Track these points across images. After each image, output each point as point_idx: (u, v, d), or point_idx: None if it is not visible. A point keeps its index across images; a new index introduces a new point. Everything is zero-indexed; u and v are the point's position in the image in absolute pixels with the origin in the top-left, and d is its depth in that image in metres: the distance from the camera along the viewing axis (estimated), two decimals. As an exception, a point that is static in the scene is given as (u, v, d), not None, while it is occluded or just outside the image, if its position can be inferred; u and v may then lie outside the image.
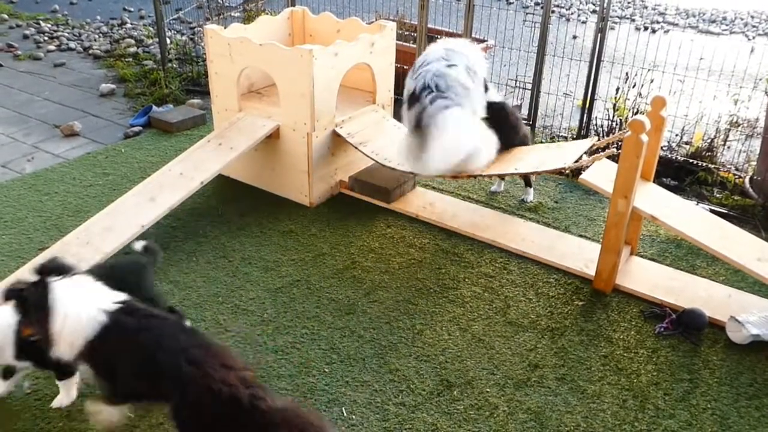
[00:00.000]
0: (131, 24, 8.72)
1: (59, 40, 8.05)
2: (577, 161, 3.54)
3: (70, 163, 4.91)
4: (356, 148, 4.26)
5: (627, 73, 5.07)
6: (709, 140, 4.89)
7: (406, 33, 6.27)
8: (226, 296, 3.47)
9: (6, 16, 8.97)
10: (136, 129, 5.53)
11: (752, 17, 9.75)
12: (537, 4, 10.02)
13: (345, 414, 2.77)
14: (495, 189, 4.64)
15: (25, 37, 8.18)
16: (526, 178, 4.50)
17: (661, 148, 4.21)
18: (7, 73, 6.92)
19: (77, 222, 3.80)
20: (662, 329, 3.31)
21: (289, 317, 3.33)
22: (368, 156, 4.24)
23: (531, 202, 4.47)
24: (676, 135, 5.10)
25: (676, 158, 4.85)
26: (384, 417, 2.77)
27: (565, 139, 5.35)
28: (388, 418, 2.76)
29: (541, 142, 5.35)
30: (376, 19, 5.82)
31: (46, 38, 8.14)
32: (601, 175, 3.53)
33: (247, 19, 7.27)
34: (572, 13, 9.68)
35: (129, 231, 3.57)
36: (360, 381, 2.95)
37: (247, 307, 3.39)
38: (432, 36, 6.01)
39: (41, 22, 8.74)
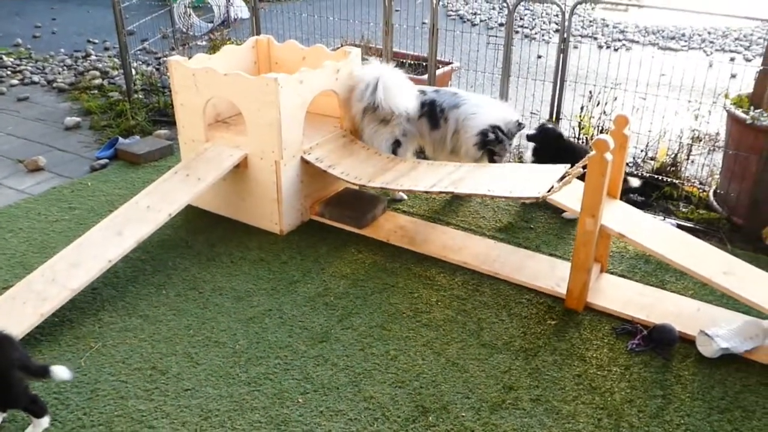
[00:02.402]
0: (96, 56, 8.66)
1: (22, 74, 7.94)
2: (549, 190, 3.57)
3: (34, 199, 4.83)
4: (326, 171, 4.26)
5: (591, 92, 5.16)
6: (673, 155, 4.98)
7: (372, 57, 6.31)
8: (197, 328, 3.42)
9: (-32, 51, 8.86)
10: (103, 162, 5.47)
11: (709, 33, 10.01)
12: (501, 25, 10.18)
13: (320, 445, 2.74)
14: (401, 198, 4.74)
15: (-13, 71, 8.07)
16: None
17: (627, 164, 4.28)
18: (-30, 109, 6.81)
19: (43, 259, 3.73)
20: (634, 346, 3.33)
21: (262, 348, 3.29)
22: (339, 177, 4.24)
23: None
24: (641, 151, 5.19)
25: (641, 174, 4.92)
26: (360, 446, 2.74)
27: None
28: (364, 447, 2.74)
29: (508, 161, 5.40)
30: (341, 45, 5.86)
31: (8, 72, 8.03)
32: (569, 194, 3.56)
33: (213, 48, 7.28)
34: (536, 33, 9.85)
35: (96, 266, 3.51)
36: (335, 410, 2.92)
37: (218, 339, 3.35)
38: (398, 60, 6.08)
39: (3, 56, 8.62)
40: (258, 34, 6.05)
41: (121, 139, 5.76)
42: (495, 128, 4.40)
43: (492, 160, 4.48)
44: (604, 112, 5.15)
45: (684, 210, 4.69)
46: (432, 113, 4.56)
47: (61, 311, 3.40)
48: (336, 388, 3.04)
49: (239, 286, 3.77)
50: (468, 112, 4.46)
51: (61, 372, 2.71)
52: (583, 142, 5.15)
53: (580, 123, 5.21)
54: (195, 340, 3.34)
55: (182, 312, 3.55)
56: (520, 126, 4.47)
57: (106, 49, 9.09)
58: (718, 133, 5.25)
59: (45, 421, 2.76)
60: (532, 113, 5.68)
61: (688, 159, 5.00)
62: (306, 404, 2.95)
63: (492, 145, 4.41)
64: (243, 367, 3.16)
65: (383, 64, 4.62)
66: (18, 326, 3.19)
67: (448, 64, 5.95)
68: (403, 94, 4.46)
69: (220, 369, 3.14)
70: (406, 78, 4.60)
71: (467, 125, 4.43)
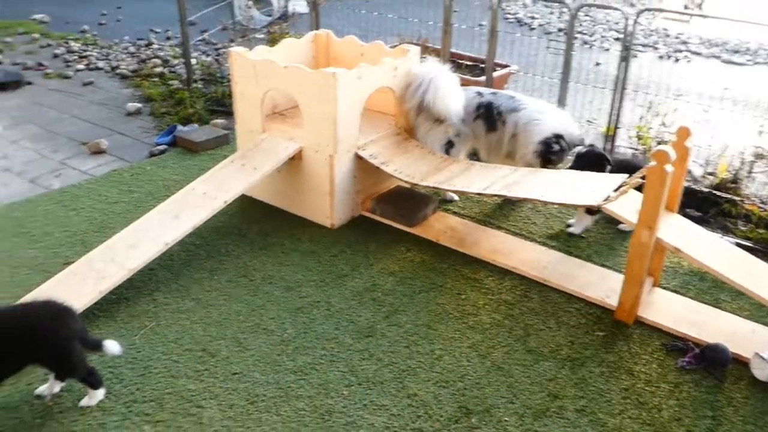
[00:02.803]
0: (158, 44, 8.87)
1: (88, 60, 8.20)
2: (605, 199, 3.52)
3: (96, 180, 4.99)
4: (379, 167, 4.29)
5: (650, 102, 5.07)
6: (733, 172, 4.85)
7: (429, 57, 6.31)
8: (247, 315, 3.49)
9: (37, 36, 9.17)
10: (161, 147, 5.61)
11: (776, 49, 9.71)
12: (560, 30, 10.06)
13: (363, 438, 2.76)
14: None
15: (55, 56, 8.34)
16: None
17: (685, 178, 4.19)
18: (38, 91, 7.06)
19: (102, 238, 3.85)
20: (684, 363, 3.26)
21: (309, 338, 3.33)
22: (391, 174, 4.26)
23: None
24: (701, 165, 5.07)
25: (700, 189, 4.81)
26: (402, 442, 2.75)
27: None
28: (406, 443, 2.75)
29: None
30: (399, 43, 5.88)
31: (75, 57, 8.29)
32: (626, 204, 3.51)
33: (271, 41, 7.37)
34: (595, 40, 9.71)
35: (153, 248, 3.61)
36: (378, 405, 2.94)
37: (267, 326, 3.40)
38: (455, 60, 6.07)
39: (71, 41, 8.91)
40: (317, 28, 6.11)
41: (179, 127, 5.90)
42: (558, 138, 4.35)
43: (544, 167, 4.42)
44: (664, 124, 5.05)
45: (743, 228, 4.56)
46: (488, 115, 4.53)
47: (118, 289, 3.50)
48: (380, 383, 3.06)
49: (289, 276, 3.83)
50: (530, 117, 4.41)
51: (112, 347, 2.82)
52: (641, 153, 5.06)
53: (638, 134, 5.12)
54: (244, 326, 3.40)
55: (233, 298, 3.62)
56: (581, 142, 4.39)
57: (168, 38, 9.29)
58: (782, 151, 5.09)
59: (100, 393, 2.86)
60: (588, 121, 5.60)
61: (749, 176, 4.87)
62: (350, 396, 2.98)
63: (553, 155, 4.37)
64: (290, 355, 3.21)
65: (439, 64, 4.62)
66: (77, 301, 3.29)
67: (505, 67, 5.92)
68: (451, 97, 4.45)
69: (268, 356, 3.20)
70: (457, 81, 4.59)
71: (530, 131, 4.38)
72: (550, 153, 4.35)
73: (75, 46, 8.73)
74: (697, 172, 4.51)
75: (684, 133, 3.49)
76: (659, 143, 4.95)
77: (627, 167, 4.05)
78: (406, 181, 4.27)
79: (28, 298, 3.27)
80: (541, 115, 4.42)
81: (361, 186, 4.49)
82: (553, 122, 4.39)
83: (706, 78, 5.99)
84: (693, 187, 4.82)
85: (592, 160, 4.19)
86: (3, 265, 3.82)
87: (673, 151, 3.24)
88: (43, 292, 3.38)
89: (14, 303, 3.07)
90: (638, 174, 3.54)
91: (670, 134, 4.89)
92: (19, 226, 4.26)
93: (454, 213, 4.64)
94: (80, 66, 7.95)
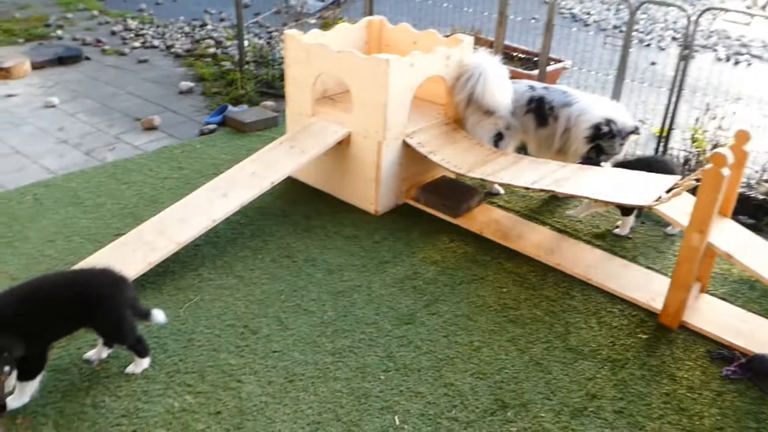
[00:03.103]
0: (212, 26, 8.99)
1: (144, 38, 8.37)
2: (657, 200, 3.45)
3: (148, 156, 5.10)
4: (426, 156, 4.28)
5: (708, 104, 4.94)
6: (791, 179, 4.70)
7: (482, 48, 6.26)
8: (289, 295, 3.53)
9: (96, 13, 9.40)
10: (211, 127, 5.70)
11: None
12: (615, 27, 9.86)
13: (397, 422, 2.78)
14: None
15: (113, 33, 8.54)
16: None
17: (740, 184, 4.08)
18: (95, 67, 7.23)
19: (152, 211, 3.93)
20: (729, 372, 3.19)
21: (349, 321, 3.36)
22: (438, 164, 4.25)
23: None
24: (756, 171, 4.92)
25: (755, 196, 4.67)
26: (436, 429, 2.76)
27: (638, 167, 5.23)
28: (440, 431, 2.75)
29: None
30: (452, 33, 5.84)
31: (131, 35, 8.48)
32: (677, 206, 3.44)
33: (324, 26, 7.40)
34: (652, 39, 9.49)
35: (201, 223, 3.68)
36: (414, 391, 2.95)
37: (308, 308, 3.44)
38: (508, 53, 6.01)
39: (128, 19, 9.11)
40: (370, 14, 6.10)
41: (230, 107, 5.98)
42: (609, 122, 4.26)
43: (597, 158, 4.34)
44: (720, 127, 4.92)
45: (797, 238, 4.41)
46: (540, 110, 4.48)
47: (165, 263, 3.58)
48: (417, 370, 3.07)
49: (331, 260, 3.86)
50: (581, 109, 4.34)
51: (159, 315, 2.92)
52: (693, 157, 4.94)
53: (693, 136, 4.99)
54: (286, 305, 3.45)
55: (275, 277, 3.67)
56: (635, 130, 4.30)
57: (222, 19, 9.42)
58: (843, 161, 4.91)
59: (146, 362, 2.93)
60: (641, 121, 5.49)
61: (808, 185, 4.71)
62: (387, 381, 2.99)
63: (603, 139, 4.26)
64: (329, 337, 3.24)
65: (490, 56, 4.57)
66: (127, 271, 3.37)
67: (558, 61, 5.83)
68: (500, 90, 4.41)
69: (308, 336, 3.24)
70: (507, 74, 4.54)
71: (580, 120, 4.30)
72: (598, 137, 4.26)
73: (132, 24, 8.92)
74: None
75: (743, 136, 3.39)
76: (714, 146, 4.83)
77: (650, 166, 3.99)
78: (453, 172, 4.25)
79: (82, 266, 3.37)
80: (593, 105, 4.34)
81: (406, 174, 4.49)
82: (604, 109, 4.30)
83: (767, 82, 5.81)
84: (747, 193, 4.69)
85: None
86: (58, 234, 3.94)
87: (731, 154, 3.15)
88: (95, 260, 3.48)
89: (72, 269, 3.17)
90: (693, 176, 3.46)
91: (726, 138, 4.76)
92: (74, 196, 4.39)
93: (499, 206, 4.60)
94: (136, 44, 8.12)
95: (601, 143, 4.28)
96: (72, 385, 2.85)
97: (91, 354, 2.98)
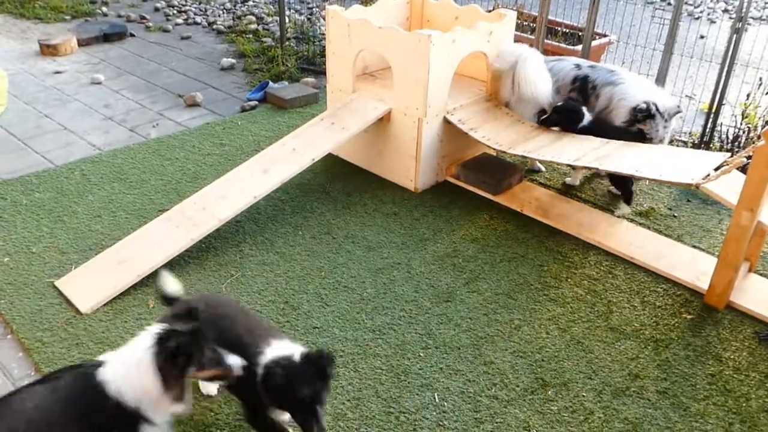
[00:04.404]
0: (253, 2, 9.01)
1: (186, 14, 8.43)
2: (705, 177, 3.35)
3: (190, 132, 5.16)
4: (467, 133, 4.24)
5: (761, 78, 4.77)
6: None
7: (523, 23, 6.15)
8: (329, 272, 3.56)
9: (140, -11, 9.49)
10: (253, 103, 5.73)
11: None
12: (663, 0, 9.56)
13: (437, 400, 2.79)
14: (570, 182, 4.50)
15: (156, 10, 8.63)
16: (626, 190, 4.25)
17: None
18: (139, 43, 7.33)
19: (194, 187, 3.99)
20: (778, 353, 3.12)
21: (388, 299, 3.37)
22: (479, 141, 4.21)
23: (623, 216, 4.23)
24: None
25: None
26: (476, 408, 2.76)
27: (685, 144, 5.10)
28: (480, 409, 2.75)
29: (659, 145, 5.12)
30: (494, 8, 5.74)
31: (174, 12, 8.55)
32: (725, 184, 3.34)
33: (365, 1, 7.35)
34: (701, 12, 9.17)
35: (243, 200, 3.72)
36: (454, 369, 2.95)
37: (348, 284, 3.46)
38: (551, 28, 5.88)
39: (171, -5, 9.18)
40: (412, -10, 6.02)
41: (270, 84, 6.00)
42: (650, 103, 4.09)
43: (636, 137, 4.19)
44: (774, 102, 4.75)
45: None
46: (583, 89, 4.37)
47: (207, 239, 3.64)
48: (457, 348, 3.07)
49: (371, 237, 3.86)
50: (624, 92, 4.19)
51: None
52: (744, 133, 4.78)
53: (743, 112, 4.83)
54: (326, 282, 3.47)
55: (315, 254, 3.69)
56: (678, 110, 4.16)
57: (263, -5, 9.42)
58: None
59: None
60: (688, 96, 5.33)
61: None
62: (426, 359, 3.00)
63: (642, 121, 4.10)
64: (369, 314, 3.26)
65: (527, 48, 4.47)
66: (170, 247, 3.46)
67: (604, 36, 5.69)
68: (537, 82, 4.33)
69: (347, 313, 3.26)
70: (543, 65, 4.41)
71: (621, 104, 4.19)
72: (637, 120, 4.11)
73: (175, 1, 8.99)
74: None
75: (798, 112, 3.26)
76: (767, 123, 4.67)
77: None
78: (494, 149, 4.20)
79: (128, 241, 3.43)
80: (635, 88, 4.20)
81: (446, 151, 4.45)
82: (646, 92, 4.17)
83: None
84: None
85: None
86: (104, 209, 4.03)
87: (785, 130, 3.04)
88: (139, 236, 3.56)
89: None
90: (743, 153, 3.35)
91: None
92: (119, 172, 4.48)
93: (540, 184, 4.54)
94: (179, 20, 8.20)
95: (641, 127, 4.14)
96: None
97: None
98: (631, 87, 4.19)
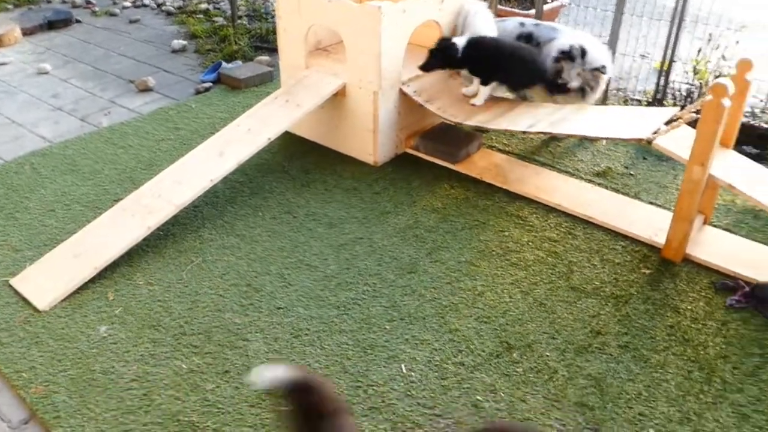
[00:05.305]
0: (202, -20, 8.81)
1: (134, -3, 8.22)
2: (655, 132, 3.39)
3: (143, 118, 5.06)
4: (423, 105, 4.23)
5: (710, 34, 4.82)
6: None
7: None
8: (291, 251, 3.54)
9: (84, -27, 9.20)
10: (207, 85, 5.63)
11: None
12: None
13: (404, 371, 2.81)
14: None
15: (102, -7, 8.39)
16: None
17: (744, 114, 4.00)
18: (85, 30, 7.13)
19: (150, 175, 3.92)
20: (734, 302, 3.19)
21: (352, 274, 3.37)
22: (435, 113, 4.20)
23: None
24: (761, 100, 4.83)
25: (759, 125, 4.60)
26: (443, 375, 2.79)
27: (639, 102, 5.16)
28: (447, 376, 2.79)
29: (613, 105, 5.17)
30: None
31: (121, -6, 8.33)
32: (677, 140, 3.39)
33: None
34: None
35: (199, 184, 3.67)
36: (420, 339, 2.98)
37: (310, 262, 3.45)
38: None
39: (117, -22, 8.93)
40: (361, -39, 5.94)
41: (224, 64, 5.90)
42: (573, 47, 4.14)
43: (558, 84, 4.24)
44: (723, 57, 4.80)
45: (803, 165, 4.36)
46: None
47: (165, 226, 3.59)
48: (422, 318, 3.09)
49: (332, 213, 3.85)
50: (562, 44, 4.22)
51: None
52: (696, 89, 4.84)
53: (695, 68, 4.89)
54: (288, 261, 3.46)
55: (277, 234, 3.67)
56: (601, 68, 4.14)
57: (212, -26, 9.21)
58: None
59: None
60: (642, 56, 5.37)
61: (813, 111, 4.63)
62: (392, 331, 3.02)
63: (559, 62, 4.17)
64: (333, 291, 3.26)
65: (475, 2, 4.48)
66: (127, 237, 3.41)
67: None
68: (482, 25, 4.35)
69: (311, 291, 3.26)
70: (492, 21, 4.45)
71: (551, 49, 4.22)
72: (558, 59, 4.18)
73: (121, -17, 8.74)
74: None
75: (745, 65, 3.31)
76: (717, 77, 4.73)
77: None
78: (450, 121, 4.20)
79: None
80: (571, 36, 4.24)
81: (404, 123, 4.44)
82: (580, 40, 4.20)
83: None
84: (752, 122, 4.61)
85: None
86: (57, 203, 3.95)
87: (732, 84, 3.08)
88: (94, 228, 3.50)
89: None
90: (692, 107, 3.40)
91: (730, 68, 4.65)
92: (71, 164, 4.38)
93: (499, 150, 4.56)
94: (126, 3, 7.99)
95: (559, 68, 4.19)
96: (81, 353, 2.89)
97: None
98: (567, 38, 4.23)
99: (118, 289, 3.25)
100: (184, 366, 2.82)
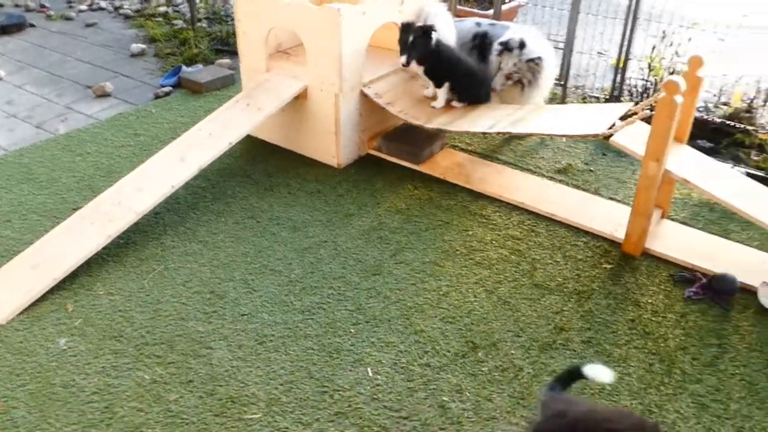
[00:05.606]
0: (161, -18, 8.69)
1: (91, 0, 8.06)
2: (610, 128, 3.45)
3: (102, 124, 4.97)
4: (384, 107, 4.23)
5: (664, 32, 4.91)
6: (748, 101, 4.73)
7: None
8: (255, 256, 3.51)
9: (38, -24, 9.01)
10: (166, 89, 5.56)
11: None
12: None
13: (370, 374, 2.81)
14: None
15: (57, -4, 8.22)
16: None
17: (697, 108, 4.09)
18: (40, 34, 6.98)
19: (109, 182, 3.86)
20: (692, 294, 3.27)
21: (316, 278, 3.36)
22: (397, 115, 4.21)
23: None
24: (714, 95, 4.95)
25: (713, 119, 4.71)
26: (409, 377, 2.80)
27: (597, 99, 5.24)
28: (413, 378, 2.80)
29: (572, 103, 5.25)
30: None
31: (77, -3, 8.17)
32: (633, 137, 3.45)
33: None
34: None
35: (160, 191, 3.62)
36: (385, 342, 2.98)
37: (274, 267, 3.43)
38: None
39: (72, -19, 8.76)
40: (320, -38, 5.93)
41: (184, 68, 5.83)
42: (514, 39, 4.27)
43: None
44: (677, 54, 4.91)
45: (756, 158, 4.48)
46: (482, 46, 4.44)
47: (126, 233, 3.53)
48: (387, 320, 3.10)
49: (296, 217, 3.83)
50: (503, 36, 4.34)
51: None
52: (651, 85, 4.94)
53: (649, 64, 4.98)
54: (252, 267, 3.43)
55: (240, 239, 3.64)
56: (535, 59, 4.24)
57: (171, -24, 9.09)
58: (799, 78, 4.95)
59: None
60: (599, 53, 5.46)
61: (765, 105, 4.75)
62: (357, 334, 3.02)
63: (501, 54, 4.31)
64: (297, 295, 3.25)
65: (436, 2, 4.53)
66: (87, 246, 3.35)
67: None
68: (446, 37, 4.36)
69: (276, 296, 3.24)
70: (451, 21, 4.50)
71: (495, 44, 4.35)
72: (500, 50, 4.30)
73: (76, -14, 8.58)
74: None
75: (696, 62, 3.39)
76: (672, 73, 4.83)
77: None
78: (411, 123, 4.21)
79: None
80: (515, 32, 4.35)
81: (367, 124, 4.44)
82: (521, 34, 4.31)
83: (724, 5, 5.78)
84: (705, 117, 4.72)
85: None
86: (13, 213, 3.86)
87: (684, 81, 3.15)
88: (52, 237, 3.43)
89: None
90: (646, 103, 3.46)
91: (683, 64, 4.76)
92: (27, 172, 4.28)
93: (462, 150, 4.59)
94: (83, 6, 7.85)
95: (500, 58, 4.32)
96: (40, 367, 2.83)
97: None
98: (512, 33, 4.33)
99: (78, 299, 3.19)
100: (146, 377, 2.78)
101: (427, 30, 4.09)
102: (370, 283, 3.33)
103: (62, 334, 2.99)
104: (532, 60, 4.21)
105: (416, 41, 4.08)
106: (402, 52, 4.12)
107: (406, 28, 4.12)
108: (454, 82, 4.25)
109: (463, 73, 4.24)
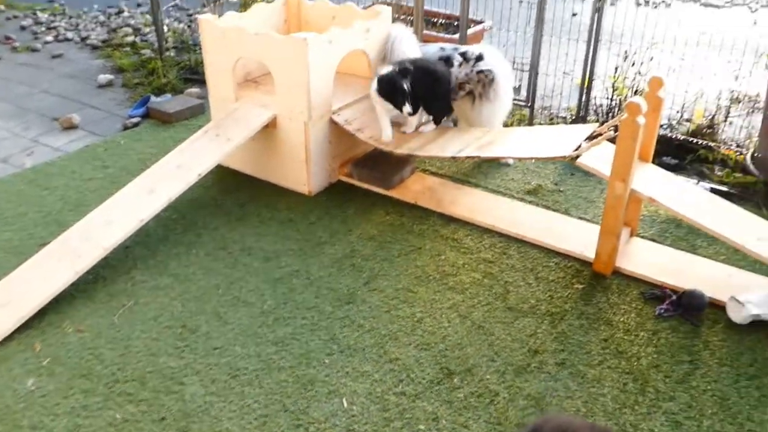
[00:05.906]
0: (128, 12, 8.67)
1: (57, 31, 8.00)
2: (577, 149, 3.51)
3: (69, 157, 4.92)
4: (354, 134, 4.25)
5: (626, 51, 5.02)
6: (709, 117, 4.84)
7: (401, 17, 6.20)
8: (226, 288, 3.48)
9: (2, 7, 8.92)
10: (135, 120, 5.52)
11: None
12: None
13: (345, 405, 2.79)
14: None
15: (23, 28, 8.14)
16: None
17: (661, 126, 4.18)
18: (5, 66, 6.90)
19: (78, 216, 3.80)
20: (662, 311, 3.31)
21: (289, 308, 3.34)
22: (366, 141, 4.23)
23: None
24: (677, 112, 5.05)
25: (677, 136, 4.81)
26: (384, 407, 2.78)
27: (565, 120, 5.32)
28: (389, 408, 2.78)
29: (540, 124, 5.32)
30: (372, 4, 5.76)
31: (43, 29, 8.09)
32: (600, 157, 3.51)
33: (244, 5, 7.21)
34: (572, -11, 9.54)
35: (129, 224, 3.59)
36: (360, 371, 2.96)
37: (247, 299, 3.41)
38: (429, 19, 5.97)
39: (38, 12, 8.69)
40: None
41: (152, 98, 5.80)
42: (469, 50, 4.44)
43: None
44: (639, 73, 5.01)
45: (719, 173, 4.57)
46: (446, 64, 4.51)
47: (95, 269, 3.48)
48: (362, 350, 3.08)
49: (267, 247, 3.82)
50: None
51: None
52: (616, 104, 5.02)
53: (613, 84, 5.08)
54: (224, 299, 3.40)
55: (212, 271, 3.61)
56: (485, 72, 4.32)
57: (139, 5, 9.08)
58: (758, 94, 5.08)
59: None
60: (564, 73, 5.54)
61: (726, 121, 4.86)
62: (332, 365, 3.00)
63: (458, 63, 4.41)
64: (270, 327, 3.22)
65: (401, 26, 4.63)
66: (55, 283, 3.30)
67: (479, 23, 5.82)
68: (408, 50, 4.49)
69: (249, 328, 3.21)
70: (417, 46, 4.60)
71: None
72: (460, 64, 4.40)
73: (42, 16, 8.53)
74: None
75: (656, 83, 3.47)
76: (636, 92, 4.93)
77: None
78: (380, 149, 4.23)
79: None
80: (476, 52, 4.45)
81: (337, 151, 4.45)
82: (478, 49, 4.44)
83: (683, 23, 5.92)
84: (669, 134, 4.81)
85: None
86: (-21, 250, 3.79)
87: (645, 102, 3.22)
88: (18, 275, 3.37)
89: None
90: (610, 124, 3.53)
91: (646, 82, 4.86)
92: (-8, 208, 4.22)
93: (432, 173, 4.62)
94: (48, 38, 7.77)
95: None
96: (7, 409, 2.76)
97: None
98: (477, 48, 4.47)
99: (46, 338, 3.13)
100: (117, 416, 2.73)
101: (403, 69, 4.12)
102: (343, 312, 3.31)
103: (30, 375, 2.93)
104: (481, 71, 4.28)
105: (415, 84, 4.07)
106: (403, 104, 4.06)
107: (397, 78, 4.07)
108: (427, 101, 4.26)
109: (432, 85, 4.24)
